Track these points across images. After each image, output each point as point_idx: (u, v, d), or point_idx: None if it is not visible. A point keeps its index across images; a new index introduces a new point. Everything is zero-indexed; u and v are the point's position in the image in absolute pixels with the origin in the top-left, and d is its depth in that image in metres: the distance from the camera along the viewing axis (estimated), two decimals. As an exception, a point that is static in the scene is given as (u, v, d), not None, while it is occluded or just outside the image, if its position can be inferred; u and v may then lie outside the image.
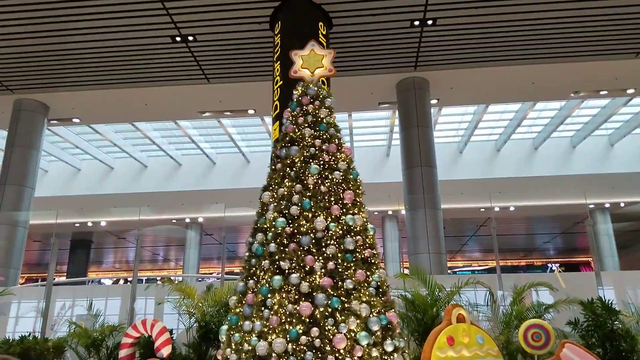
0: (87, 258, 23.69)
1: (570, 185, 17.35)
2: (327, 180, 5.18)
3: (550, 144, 17.90)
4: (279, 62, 10.49)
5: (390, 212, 20.08)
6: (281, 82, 10.09)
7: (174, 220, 21.69)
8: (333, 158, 5.37)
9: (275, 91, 10.30)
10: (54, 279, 8.40)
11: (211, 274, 26.25)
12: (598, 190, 17.93)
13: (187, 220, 21.55)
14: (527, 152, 18.17)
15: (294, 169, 5.26)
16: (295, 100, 5.58)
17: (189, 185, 19.21)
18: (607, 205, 18.99)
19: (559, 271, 23.20)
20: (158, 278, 22.05)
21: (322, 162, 5.26)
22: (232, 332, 4.81)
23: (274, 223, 4.98)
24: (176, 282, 7.59)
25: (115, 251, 26.53)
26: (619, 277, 9.26)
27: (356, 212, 5.19)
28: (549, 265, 28.19)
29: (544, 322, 5.71)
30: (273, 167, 5.51)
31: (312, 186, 5.11)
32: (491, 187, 17.43)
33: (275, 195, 5.22)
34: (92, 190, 19.39)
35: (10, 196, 13.29)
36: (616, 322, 5.63)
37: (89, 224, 21.53)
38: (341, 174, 5.28)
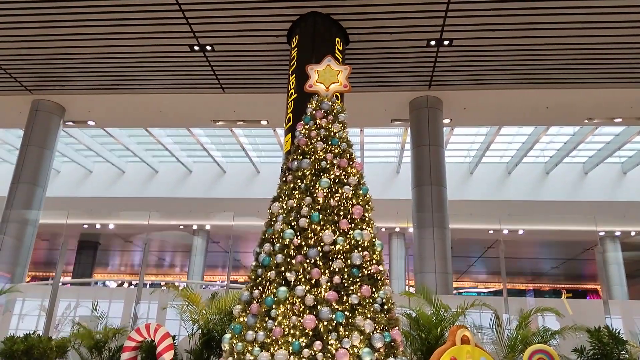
0: (93, 259, 23.80)
1: (580, 212, 17.20)
2: (336, 195, 5.20)
3: (562, 169, 17.80)
4: (294, 75, 10.60)
5: (397, 230, 19.99)
6: (295, 95, 10.18)
7: (181, 227, 21.76)
8: (344, 172, 5.40)
9: (289, 104, 10.38)
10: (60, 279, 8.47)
11: (215, 282, 26.22)
12: (609, 217, 17.75)
13: (195, 227, 21.61)
14: (539, 176, 18.07)
15: (305, 181, 5.29)
16: (309, 113, 5.63)
17: (198, 192, 19.30)
18: (618, 234, 18.77)
19: (566, 297, 22.89)
20: (162, 283, 22.09)
21: (332, 176, 5.29)
22: (234, 341, 4.81)
23: (282, 234, 5.00)
24: (180, 288, 7.60)
25: (122, 254, 26.63)
26: (628, 307, 9.13)
27: (364, 227, 5.19)
28: (561, 291, 27.86)
29: (549, 348, 5.64)
30: (283, 178, 5.54)
31: (321, 199, 5.13)
32: (501, 209, 17.33)
33: (285, 207, 5.25)
34: (103, 193, 19.55)
35: (22, 194, 13.43)
36: (623, 352, 5.56)
37: (98, 226, 21.66)
38: (351, 188, 5.30)
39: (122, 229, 21.74)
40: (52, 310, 7.55)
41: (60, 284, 12.69)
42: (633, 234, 18.58)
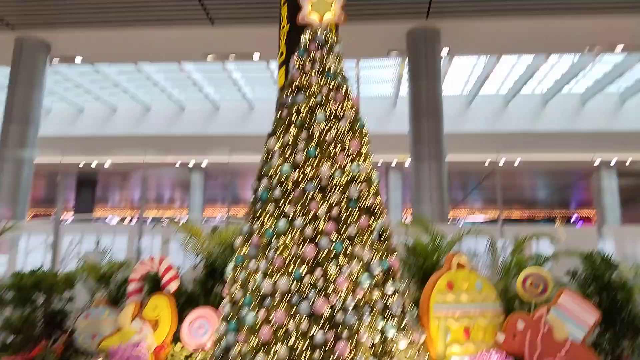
0: (92, 196, 24.00)
1: (578, 142, 17.24)
2: (333, 129, 5.16)
3: (559, 100, 17.63)
4: (285, 5, 10.18)
5: (394, 164, 20.08)
6: (288, 27, 9.83)
7: (177, 164, 21.78)
8: (340, 106, 5.32)
9: (282, 36, 10.05)
10: (62, 215, 8.57)
11: (214, 217, 26.64)
12: (606, 147, 17.82)
13: (191, 164, 21.61)
14: (536, 107, 17.91)
15: (300, 116, 5.23)
16: (302, 46, 5.45)
17: (192, 129, 19.14)
18: (614, 163, 18.92)
19: (560, 225, 23.45)
20: (163, 218, 22.40)
21: (328, 111, 5.22)
22: (237, 271, 4.95)
23: (279, 169, 5.01)
24: (181, 223, 7.73)
25: (121, 191, 26.83)
26: (620, 232, 9.36)
27: (361, 161, 5.20)
28: (554, 218, 28.48)
29: (543, 271, 5.82)
30: (278, 114, 5.47)
31: (318, 134, 5.10)
32: (498, 140, 17.33)
33: (281, 142, 5.22)
34: (96, 131, 19.37)
35: (14, 134, 13.31)
36: (614, 274, 5.76)
37: (94, 165, 21.66)
38: (347, 123, 5.25)
39: (118, 166, 21.76)
40: (57, 246, 7.70)
41: (66, 221, 12.84)
42: (628, 162, 18.73)
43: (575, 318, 5.35)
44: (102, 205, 28.01)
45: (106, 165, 21.67)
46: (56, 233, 7.77)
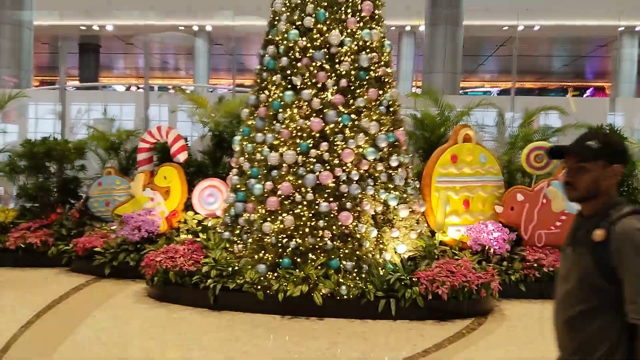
0: (97, 63, 23.47)
1: (603, 5, 16.08)
2: (344, -12, 4.78)
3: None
4: None
5: (408, 28, 19.07)
6: None
7: (181, 28, 20.86)
8: (352, -37, 4.87)
9: None
10: (66, 83, 8.45)
11: (221, 85, 26.28)
12: (633, 10, 16.64)
13: (195, 28, 20.69)
14: (565, -36, 16.41)
15: (309, -26, 4.82)
16: None
17: (195, -12, 17.96)
18: (639, 29, 17.81)
19: (572, 95, 22.91)
20: (169, 86, 22.17)
21: (339, -32, 4.80)
22: (244, 143, 4.98)
23: (286, 35, 4.76)
24: (187, 91, 7.60)
25: (125, 57, 26.12)
26: (632, 104, 9.16)
27: (374, 26, 4.91)
28: (567, 89, 27.72)
29: (549, 145, 5.82)
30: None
31: (327, -6, 4.74)
32: (519, 2, 16.19)
33: (288, 4, 4.89)
34: (94, -9, 18.28)
35: (8, -6, 12.59)
36: (620, 148, 5.72)
37: (95, 27, 20.83)
38: (359, -19, 4.85)
39: (121, 30, 20.92)
40: (65, 114, 7.71)
41: (71, 88, 12.69)
42: (655, 28, 17.62)
43: (575, 190, 5.46)
44: (107, 72, 27.51)
45: (108, 28, 20.84)
46: (63, 101, 7.73)
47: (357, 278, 4.39)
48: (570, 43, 21.40)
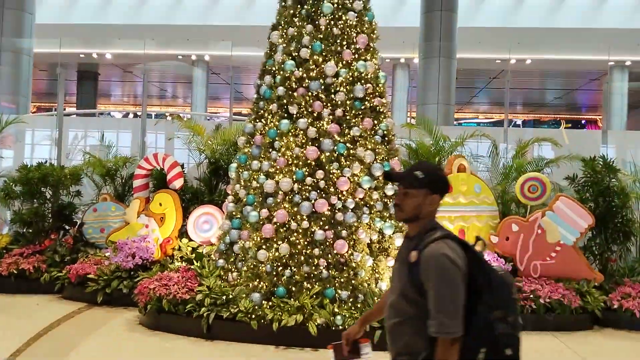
0: (95, 90, 23.66)
1: (594, 40, 16.49)
2: (340, 22, 4.91)
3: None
4: None
5: (402, 60, 19.42)
6: None
7: (179, 57, 21.17)
8: (348, -4, 5.01)
9: None
10: (64, 109, 8.50)
11: (218, 113, 26.48)
12: (623, 46, 17.06)
13: (193, 57, 21.00)
14: (554, 1, 16.88)
15: (306, 6, 4.95)
16: None
17: (193, 19, 18.31)
18: (629, 63, 18.22)
19: (564, 127, 23.21)
20: (167, 114, 22.32)
21: (335, 1, 4.93)
22: (241, 170, 5.01)
23: (282, 66, 4.85)
24: (185, 119, 7.67)
25: (123, 84, 26.39)
26: (623, 137, 9.28)
27: (369, 58, 5.01)
28: (560, 121, 28.12)
29: (542, 176, 5.89)
30: (283, 3, 5.18)
31: (324, 27, 4.86)
32: (511, 37, 16.58)
33: (285, 36, 5.00)
34: (94, 19, 18.58)
35: (10, 21, 12.77)
36: (613, 180, 5.80)
37: (94, 55, 21.11)
38: (356, 15, 4.98)
39: (119, 59, 21.19)
40: (61, 140, 7.72)
41: (68, 115, 12.71)
42: (644, 63, 18.04)
43: (569, 222, 5.50)
44: (105, 99, 27.72)
45: (107, 56, 21.12)
46: (60, 127, 7.76)
47: (353, 308, 4.35)
48: (562, 76, 21.84)
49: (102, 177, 6.83)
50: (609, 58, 15.41)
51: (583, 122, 27.75)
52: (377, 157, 4.83)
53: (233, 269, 4.71)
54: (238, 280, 4.61)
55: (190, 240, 5.74)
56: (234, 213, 4.90)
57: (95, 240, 6.20)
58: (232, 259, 4.76)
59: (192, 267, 5.02)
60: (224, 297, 4.41)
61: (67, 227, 6.52)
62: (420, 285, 1.70)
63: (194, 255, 5.48)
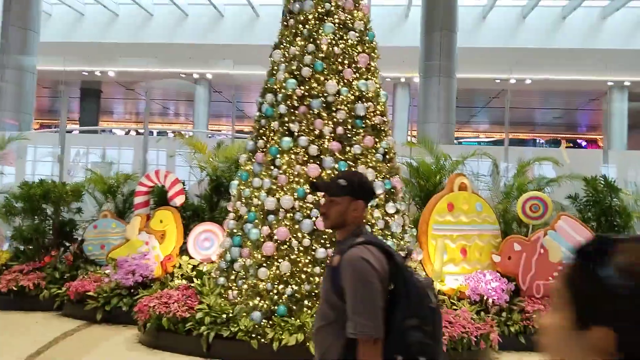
0: (97, 107, 23.82)
1: (594, 60, 16.64)
2: (341, 41, 4.96)
3: (579, 14, 16.76)
4: None
5: (402, 79, 19.59)
6: None
7: (182, 75, 21.37)
8: (349, 17, 5.08)
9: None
10: (67, 126, 8.54)
11: (220, 131, 26.60)
12: (622, 66, 17.21)
13: (196, 75, 21.21)
14: (554, 21, 17.08)
15: (307, 26, 5.01)
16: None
17: (195, 38, 18.52)
18: (628, 83, 18.37)
19: (565, 147, 23.25)
20: (169, 131, 22.42)
21: (337, 21, 4.99)
22: (242, 187, 5.01)
23: (284, 84, 4.89)
24: (187, 136, 7.71)
25: (125, 102, 26.59)
26: (624, 157, 9.30)
27: (369, 77, 5.05)
28: (560, 141, 28.25)
29: (544, 195, 5.87)
30: (285, 23, 5.24)
31: (325, 47, 4.92)
32: (511, 57, 16.74)
33: (287, 55, 5.05)
34: (97, 38, 18.80)
35: (15, 39, 12.93)
36: (615, 199, 5.79)
37: (98, 73, 21.31)
38: (357, 34, 5.04)
39: (122, 76, 21.39)
40: (63, 157, 7.74)
41: (70, 132, 12.79)
42: (643, 83, 18.17)
43: (571, 241, 5.47)
44: (107, 116, 27.90)
45: (110, 74, 21.31)
46: (62, 144, 7.79)
47: (353, 327, 4.30)
48: (561, 96, 21.99)
49: (103, 194, 6.83)
50: (608, 78, 15.51)
51: (583, 142, 27.82)
52: (378, 175, 4.84)
53: (233, 287, 4.68)
54: (238, 298, 4.57)
55: (191, 257, 5.71)
56: (234, 230, 4.89)
57: (96, 257, 6.17)
58: (232, 277, 4.73)
59: (192, 284, 4.99)
60: (224, 316, 4.37)
61: (67, 244, 6.50)
62: (341, 290, 1.74)
63: (194, 272, 5.45)
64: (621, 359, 0.70)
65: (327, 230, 4.46)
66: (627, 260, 0.72)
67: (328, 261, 1.96)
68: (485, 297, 5.10)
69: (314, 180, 2.06)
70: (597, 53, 16.89)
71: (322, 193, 2.06)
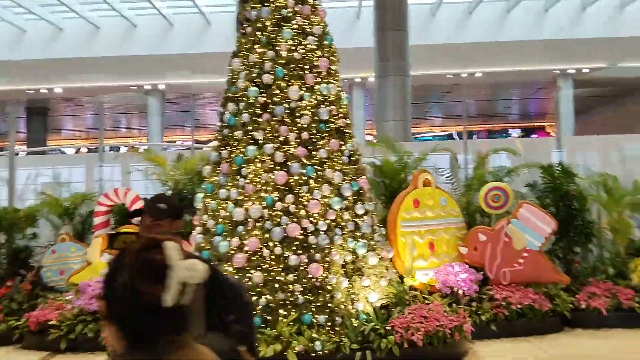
0: (45, 126, 22.89)
1: (539, 51, 17.27)
2: (300, 47, 4.94)
3: (523, 6, 17.38)
4: None
5: (358, 80, 19.78)
6: None
7: (133, 87, 20.81)
8: (307, 22, 5.07)
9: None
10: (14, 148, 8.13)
11: (175, 142, 26.06)
12: (565, 56, 17.95)
13: (147, 87, 20.70)
14: (499, 15, 17.65)
15: (265, 33, 4.96)
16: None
17: (146, 49, 18.07)
18: (572, 71, 19.17)
19: (519, 136, 24.05)
20: (121, 146, 21.79)
21: (295, 26, 4.97)
22: (208, 200, 4.90)
23: (245, 92, 4.82)
24: (141, 150, 7.49)
25: (74, 119, 25.69)
26: (573, 142, 9.65)
27: (331, 80, 5.05)
28: (510, 131, 29.21)
29: (505, 185, 6.04)
30: (242, 30, 5.17)
31: (285, 53, 4.88)
32: (461, 52, 17.18)
33: (246, 63, 4.98)
34: (42, 54, 18.06)
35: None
36: (572, 185, 6.02)
37: (44, 90, 20.48)
38: (315, 39, 5.03)
39: (70, 93, 20.65)
40: (13, 181, 7.38)
41: (17, 153, 12.22)
42: (587, 70, 19.02)
43: (533, 228, 5.65)
44: (55, 135, 26.86)
45: (57, 91, 20.52)
46: (11, 167, 7.42)
47: (331, 331, 4.29)
48: (511, 87, 22.73)
49: (60, 217, 6.54)
50: (553, 67, 16.12)
51: (533, 130, 28.88)
52: (345, 178, 4.84)
53: (206, 302, 4.56)
54: (212, 313, 4.45)
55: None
56: (202, 244, 4.77)
57: (55, 283, 5.90)
58: (204, 292, 4.61)
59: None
60: (199, 333, 4.25)
61: (23, 272, 6.17)
62: None
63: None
64: None
65: (298, 236, 4.43)
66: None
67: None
68: (455, 289, 5.20)
69: (135, 210, 2.48)
70: (542, 44, 17.56)
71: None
